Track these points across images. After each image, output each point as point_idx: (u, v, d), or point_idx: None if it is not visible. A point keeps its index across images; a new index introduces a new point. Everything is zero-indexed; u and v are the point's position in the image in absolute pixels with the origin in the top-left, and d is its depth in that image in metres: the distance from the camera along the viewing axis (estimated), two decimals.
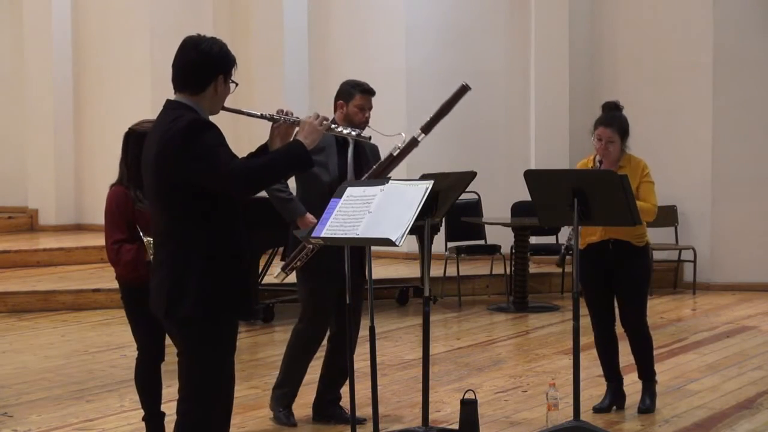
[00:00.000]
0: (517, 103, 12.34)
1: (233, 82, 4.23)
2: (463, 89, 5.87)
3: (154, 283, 4.23)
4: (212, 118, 4.22)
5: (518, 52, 12.28)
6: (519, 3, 12.28)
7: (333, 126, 4.59)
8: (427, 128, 5.82)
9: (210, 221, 4.08)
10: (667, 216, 11.37)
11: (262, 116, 4.40)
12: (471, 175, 6.03)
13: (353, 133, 4.96)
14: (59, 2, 13.70)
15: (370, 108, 6.17)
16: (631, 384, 6.96)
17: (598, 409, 6.39)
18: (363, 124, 6.10)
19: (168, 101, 4.23)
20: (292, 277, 6.12)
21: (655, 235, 11.31)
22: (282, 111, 4.41)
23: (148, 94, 13.03)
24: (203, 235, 4.07)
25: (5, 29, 14.52)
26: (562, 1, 11.79)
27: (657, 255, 11.23)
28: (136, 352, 5.55)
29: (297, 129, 4.35)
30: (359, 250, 5.96)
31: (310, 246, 5.79)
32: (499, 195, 11.57)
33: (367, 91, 6.17)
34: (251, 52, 12.11)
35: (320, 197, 5.69)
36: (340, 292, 6.02)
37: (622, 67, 11.89)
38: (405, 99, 11.94)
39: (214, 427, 4.25)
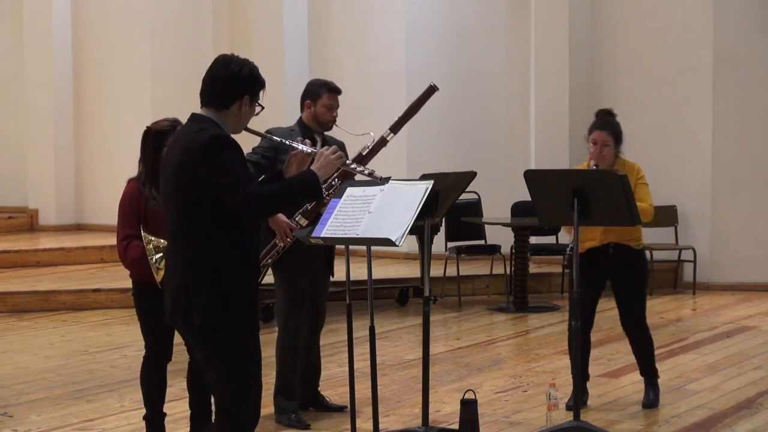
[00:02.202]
0: (517, 103, 12.34)
1: (260, 104, 4.31)
2: (431, 90, 5.93)
3: (168, 293, 4.26)
4: None
5: (518, 52, 12.28)
6: (519, 3, 12.28)
7: (348, 162, 4.71)
8: (395, 128, 5.88)
9: (223, 232, 4.13)
10: (667, 216, 11.38)
11: (281, 142, 4.59)
12: (471, 175, 6.04)
13: (366, 171, 4.97)
14: (59, 2, 13.72)
15: (338, 107, 6.21)
16: (631, 384, 6.98)
17: (570, 407, 6.32)
18: (331, 122, 6.17)
19: (193, 114, 4.28)
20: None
21: (655, 235, 11.34)
22: (301, 139, 4.62)
23: (148, 94, 13.06)
24: (216, 245, 4.12)
25: (5, 29, 14.53)
26: (562, 1, 11.79)
27: (657, 255, 11.25)
28: (143, 351, 5.53)
29: (312, 158, 4.44)
30: (328, 246, 6.07)
31: (281, 245, 5.88)
32: (499, 195, 11.58)
33: (334, 90, 6.20)
34: (251, 52, 12.08)
35: None
36: (310, 287, 6.17)
37: (622, 67, 11.89)
38: (405, 99, 11.90)
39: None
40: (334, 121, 6.18)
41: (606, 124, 6.42)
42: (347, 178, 5.66)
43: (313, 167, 4.31)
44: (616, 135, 6.41)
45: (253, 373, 4.21)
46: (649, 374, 6.60)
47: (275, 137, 4.73)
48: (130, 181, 5.42)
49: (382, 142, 5.80)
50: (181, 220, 4.18)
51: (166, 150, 4.31)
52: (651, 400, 6.53)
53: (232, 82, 4.22)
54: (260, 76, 4.30)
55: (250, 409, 4.21)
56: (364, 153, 5.75)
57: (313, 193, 4.33)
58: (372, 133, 5.77)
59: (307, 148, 4.46)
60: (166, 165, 4.27)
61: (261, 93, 4.30)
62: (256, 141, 5.72)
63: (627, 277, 6.45)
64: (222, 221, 4.12)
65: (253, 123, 4.46)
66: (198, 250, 4.13)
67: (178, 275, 4.19)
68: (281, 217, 5.89)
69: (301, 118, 6.25)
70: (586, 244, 6.39)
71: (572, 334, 6.09)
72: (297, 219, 5.87)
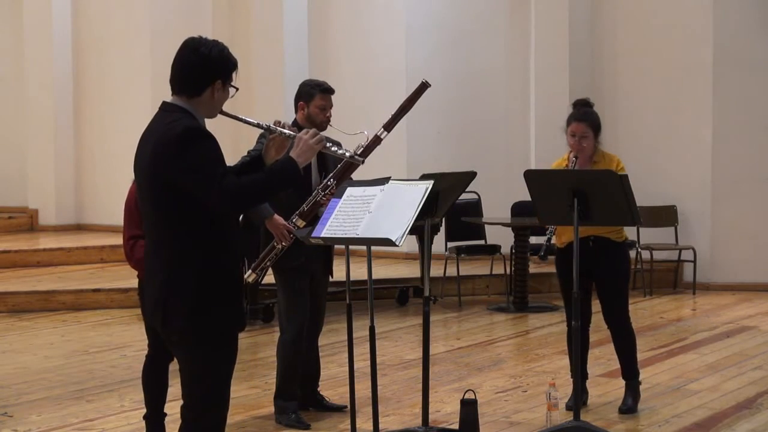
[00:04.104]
0: (517, 103, 12.33)
1: (233, 86, 4.14)
2: (423, 86, 5.95)
3: (148, 292, 4.15)
4: (212, 123, 4.18)
5: (518, 52, 12.28)
6: (519, 3, 12.28)
7: (328, 145, 4.53)
8: (388, 126, 5.91)
9: (204, 231, 3.99)
10: (667, 216, 11.38)
11: (258, 125, 4.34)
12: (471, 175, 6.04)
13: (347, 154, 4.94)
14: (59, 2, 13.72)
15: (331, 107, 6.25)
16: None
17: (570, 407, 6.30)
18: (325, 123, 6.20)
19: (164, 103, 4.12)
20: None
21: (655, 235, 11.34)
22: (279, 123, 4.37)
23: (148, 94, 13.04)
24: (197, 244, 3.99)
25: (5, 29, 14.53)
26: (562, 1, 11.79)
27: (657, 255, 11.25)
28: (143, 351, 5.54)
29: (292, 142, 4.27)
30: (326, 248, 6.09)
31: (279, 246, 5.89)
32: (499, 195, 11.57)
33: (327, 91, 6.24)
34: (251, 52, 12.11)
35: (286, 197, 5.73)
36: (309, 288, 6.21)
37: (622, 67, 11.89)
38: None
39: None
40: (328, 121, 6.22)
41: (584, 115, 6.36)
42: (343, 179, 5.66)
43: (291, 153, 4.15)
44: (595, 126, 6.35)
45: (230, 373, 4.15)
46: (631, 376, 6.49)
47: (249, 119, 4.47)
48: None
49: (376, 141, 5.82)
50: (158, 219, 4.03)
51: (138, 145, 4.11)
52: (629, 405, 6.41)
53: (203, 67, 4.04)
54: (231, 57, 4.10)
55: (224, 408, 4.15)
56: (358, 152, 5.76)
57: (292, 182, 4.15)
58: (366, 132, 5.78)
59: (286, 131, 4.26)
60: (139, 162, 4.08)
61: (234, 74, 4.12)
62: (242, 128, 5.63)
63: (608, 270, 6.37)
64: (201, 219, 3.97)
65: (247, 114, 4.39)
66: (177, 250, 3.99)
67: (157, 276, 4.05)
68: (278, 219, 5.90)
69: (295, 119, 6.27)
70: (565, 238, 6.35)
71: (572, 333, 6.07)
72: (294, 220, 5.88)
